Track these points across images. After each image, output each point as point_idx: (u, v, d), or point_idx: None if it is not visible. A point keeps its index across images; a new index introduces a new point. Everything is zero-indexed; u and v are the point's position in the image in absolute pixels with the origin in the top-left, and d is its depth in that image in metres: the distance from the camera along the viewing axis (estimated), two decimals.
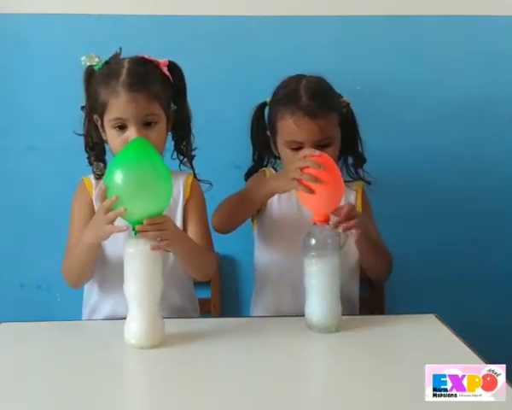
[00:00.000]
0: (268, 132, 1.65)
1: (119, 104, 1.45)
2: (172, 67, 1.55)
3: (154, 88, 1.48)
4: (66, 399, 1.10)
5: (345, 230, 1.39)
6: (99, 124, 1.52)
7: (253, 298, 1.71)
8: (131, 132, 1.44)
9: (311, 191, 1.37)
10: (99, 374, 1.18)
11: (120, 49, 1.51)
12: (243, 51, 1.91)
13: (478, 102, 1.96)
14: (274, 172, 1.68)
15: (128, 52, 1.52)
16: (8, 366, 1.23)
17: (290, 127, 1.55)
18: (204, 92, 1.85)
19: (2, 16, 1.87)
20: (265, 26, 1.91)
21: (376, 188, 1.90)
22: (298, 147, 1.54)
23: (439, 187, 1.98)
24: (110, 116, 1.46)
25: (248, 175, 1.73)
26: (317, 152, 1.42)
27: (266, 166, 1.72)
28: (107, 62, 1.50)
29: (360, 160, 1.69)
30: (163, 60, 1.53)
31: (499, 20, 1.95)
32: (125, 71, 1.47)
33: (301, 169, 1.39)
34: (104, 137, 1.52)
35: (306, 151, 1.43)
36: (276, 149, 1.63)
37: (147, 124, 1.47)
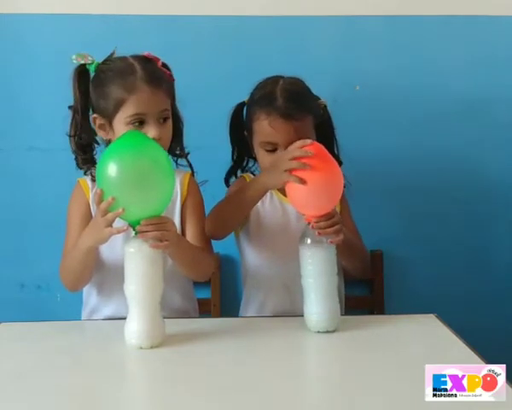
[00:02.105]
0: (245, 132, 1.65)
1: (139, 100, 1.44)
2: (165, 67, 1.55)
3: (166, 84, 1.50)
4: (67, 399, 1.10)
5: (320, 234, 1.36)
6: (97, 123, 1.50)
7: (243, 302, 1.70)
8: (150, 128, 1.44)
9: (304, 182, 1.35)
10: (99, 374, 1.18)
11: (115, 49, 1.51)
12: (243, 51, 1.91)
13: (478, 102, 1.96)
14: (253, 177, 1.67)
15: (128, 52, 1.52)
16: (8, 366, 1.23)
17: (265, 128, 1.54)
18: (204, 92, 1.86)
19: (2, 16, 1.87)
20: (265, 26, 1.91)
21: (376, 188, 1.90)
22: (273, 148, 1.53)
23: (438, 187, 1.98)
24: (128, 112, 1.44)
25: (228, 177, 1.72)
26: (308, 141, 1.40)
27: (246, 166, 1.71)
28: (105, 62, 1.49)
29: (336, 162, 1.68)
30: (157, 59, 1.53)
31: (499, 20, 1.95)
32: (138, 67, 1.47)
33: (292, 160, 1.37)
34: (105, 137, 1.51)
35: (298, 143, 1.41)
36: (253, 149, 1.63)
37: (162, 120, 1.48)
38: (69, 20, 1.87)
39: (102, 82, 1.48)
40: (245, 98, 1.66)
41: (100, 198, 1.28)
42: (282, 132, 1.52)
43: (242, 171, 1.72)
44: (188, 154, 1.62)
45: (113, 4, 1.89)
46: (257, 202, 1.55)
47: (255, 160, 1.69)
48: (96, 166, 1.32)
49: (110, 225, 1.30)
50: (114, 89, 1.46)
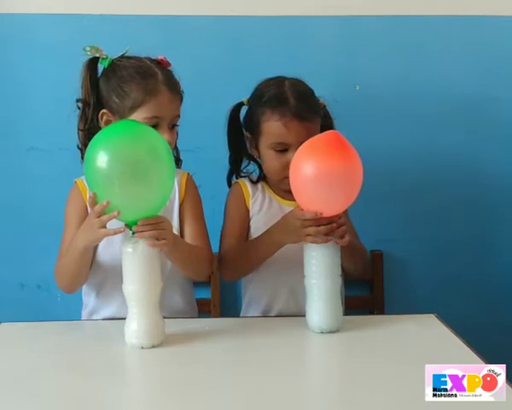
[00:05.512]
0: (247, 133, 1.63)
1: (159, 103, 1.45)
2: None
3: (180, 91, 1.52)
4: (67, 399, 1.10)
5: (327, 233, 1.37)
6: (104, 119, 1.49)
7: (244, 305, 1.68)
8: (162, 132, 1.43)
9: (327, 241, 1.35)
10: (99, 374, 1.18)
11: (128, 49, 1.51)
12: (243, 51, 1.91)
13: (478, 102, 1.96)
14: (248, 183, 1.66)
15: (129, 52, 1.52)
16: (8, 366, 1.23)
17: (279, 129, 1.54)
18: (204, 92, 1.86)
19: (3, 16, 1.87)
20: (265, 26, 1.91)
21: (376, 188, 1.90)
22: (284, 149, 1.54)
23: (438, 187, 1.98)
24: (146, 114, 1.45)
25: (229, 179, 1.70)
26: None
27: (240, 167, 1.69)
28: (119, 59, 1.50)
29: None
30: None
31: (499, 20, 1.95)
32: (158, 70, 1.48)
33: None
34: None
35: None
36: (257, 150, 1.61)
37: (171, 125, 1.49)
38: (70, 20, 1.87)
39: (119, 79, 1.48)
40: (245, 97, 1.65)
41: (93, 201, 1.27)
42: (295, 133, 1.52)
43: (239, 172, 1.70)
44: (181, 161, 1.63)
45: (113, 4, 1.89)
46: (273, 254, 1.54)
47: (253, 160, 1.68)
48: (84, 157, 1.28)
49: (104, 226, 1.29)
50: (134, 88, 1.46)
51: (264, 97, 1.58)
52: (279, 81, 1.60)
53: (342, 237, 1.38)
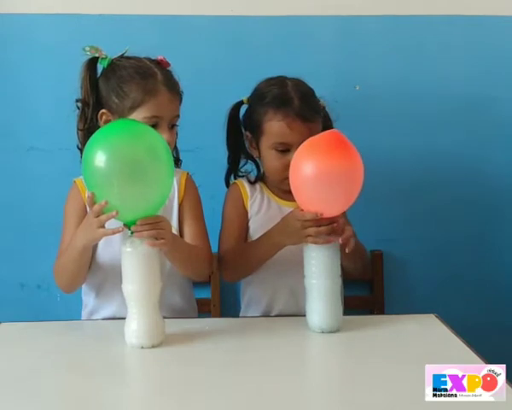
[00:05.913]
0: (247, 133, 1.63)
1: (159, 103, 1.45)
2: None
3: (179, 91, 1.53)
4: (67, 399, 1.10)
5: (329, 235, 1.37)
6: (104, 119, 1.49)
7: (244, 306, 1.68)
8: (162, 131, 1.43)
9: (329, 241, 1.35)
10: (99, 374, 1.18)
11: (128, 48, 1.51)
12: (243, 51, 1.91)
13: (478, 102, 1.96)
14: (247, 184, 1.65)
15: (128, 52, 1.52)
16: (8, 366, 1.23)
17: (282, 129, 1.53)
18: (203, 92, 1.86)
19: (3, 16, 1.87)
20: (265, 26, 1.91)
21: (376, 188, 1.90)
22: (286, 149, 1.53)
23: (438, 187, 1.98)
24: (146, 114, 1.45)
25: (227, 178, 1.69)
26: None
27: (238, 167, 1.69)
28: (119, 59, 1.50)
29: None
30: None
31: (499, 20, 1.95)
32: (157, 70, 1.48)
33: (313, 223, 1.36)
34: None
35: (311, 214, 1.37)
36: (257, 149, 1.61)
37: (171, 125, 1.49)
38: (70, 20, 1.87)
39: (118, 79, 1.48)
40: (244, 97, 1.65)
41: (92, 201, 1.27)
42: (299, 133, 1.51)
43: (237, 172, 1.70)
44: (181, 161, 1.63)
45: (112, 4, 1.89)
46: (273, 255, 1.53)
47: (252, 160, 1.68)
48: (82, 156, 1.28)
49: (103, 225, 1.29)
50: (134, 88, 1.46)
51: (267, 97, 1.58)
52: (281, 81, 1.59)
53: (347, 243, 1.38)
